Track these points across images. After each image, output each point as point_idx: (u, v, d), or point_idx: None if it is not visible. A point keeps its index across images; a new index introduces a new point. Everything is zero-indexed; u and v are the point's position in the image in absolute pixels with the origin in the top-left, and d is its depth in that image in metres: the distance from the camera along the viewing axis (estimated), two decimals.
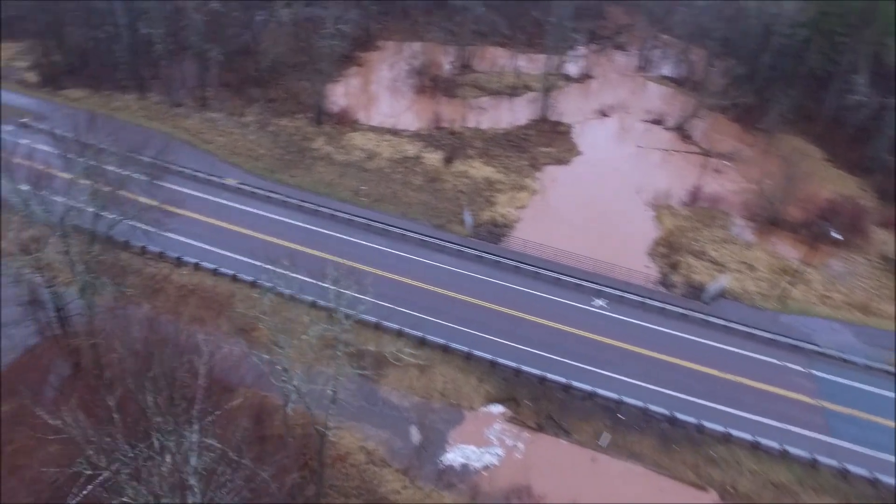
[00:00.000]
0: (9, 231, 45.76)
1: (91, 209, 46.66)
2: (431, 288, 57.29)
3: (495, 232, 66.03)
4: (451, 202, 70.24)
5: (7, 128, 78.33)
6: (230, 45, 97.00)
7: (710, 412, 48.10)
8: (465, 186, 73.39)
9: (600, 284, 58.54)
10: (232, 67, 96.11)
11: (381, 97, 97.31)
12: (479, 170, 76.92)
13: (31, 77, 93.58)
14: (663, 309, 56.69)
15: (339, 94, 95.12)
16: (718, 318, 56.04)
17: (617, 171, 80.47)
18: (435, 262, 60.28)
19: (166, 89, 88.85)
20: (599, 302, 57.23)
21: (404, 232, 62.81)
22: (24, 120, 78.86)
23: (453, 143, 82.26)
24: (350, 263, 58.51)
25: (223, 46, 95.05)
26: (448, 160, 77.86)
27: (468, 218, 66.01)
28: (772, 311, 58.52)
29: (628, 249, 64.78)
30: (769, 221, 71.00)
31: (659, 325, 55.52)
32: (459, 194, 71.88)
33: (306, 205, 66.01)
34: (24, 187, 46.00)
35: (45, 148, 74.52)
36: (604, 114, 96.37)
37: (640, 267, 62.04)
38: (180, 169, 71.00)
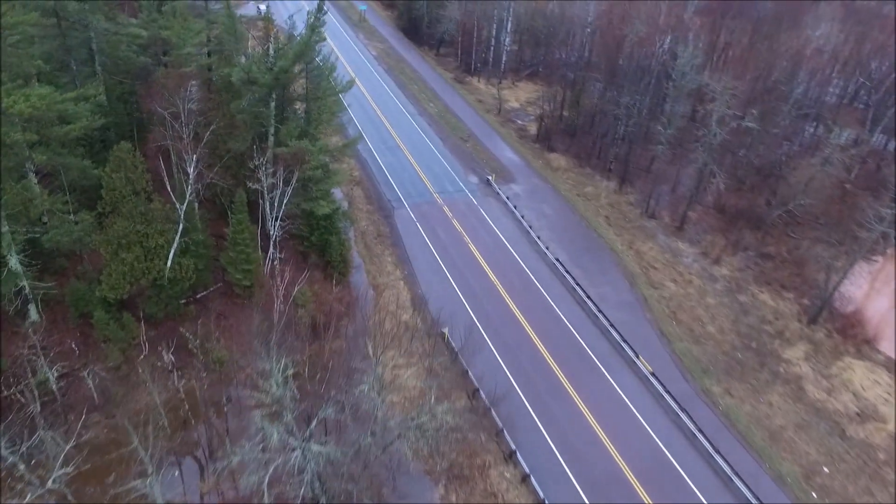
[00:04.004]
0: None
1: None
2: None
3: None
4: None
5: (472, 180, 73.69)
6: (745, 166, 76.85)
7: None
8: None
9: None
10: (738, 189, 75.90)
11: None
12: None
13: (532, 127, 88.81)
14: None
15: (863, 285, 66.44)
16: None
17: None
18: None
19: (647, 192, 73.69)
20: None
21: None
22: (490, 177, 73.04)
23: None
24: None
25: (736, 166, 75.60)
26: None
27: None
28: None
29: None
30: None
31: None
32: None
33: (718, 462, 43.41)
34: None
35: (485, 216, 67.64)
36: None
37: None
38: (595, 311, 55.33)
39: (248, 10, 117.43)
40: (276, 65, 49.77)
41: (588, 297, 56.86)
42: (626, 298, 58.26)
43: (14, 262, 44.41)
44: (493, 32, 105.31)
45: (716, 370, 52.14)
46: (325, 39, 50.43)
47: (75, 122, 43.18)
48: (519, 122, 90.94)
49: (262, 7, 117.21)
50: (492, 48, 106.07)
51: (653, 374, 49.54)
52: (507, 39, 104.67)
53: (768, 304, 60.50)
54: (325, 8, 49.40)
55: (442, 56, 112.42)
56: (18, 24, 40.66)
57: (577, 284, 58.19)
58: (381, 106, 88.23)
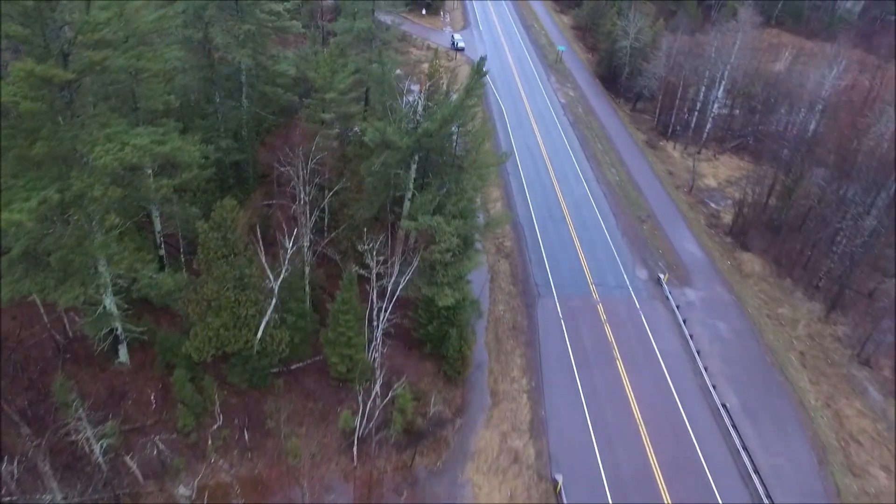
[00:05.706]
0: None
1: None
2: None
3: None
4: None
5: (640, 275, 62.11)
6: None
7: None
8: None
9: None
10: None
11: None
12: None
13: (727, 215, 74.88)
14: None
15: None
16: None
17: None
18: None
19: (865, 327, 57.64)
20: None
21: None
22: (662, 276, 60.94)
23: None
24: None
25: None
26: None
27: None
28: None
29: None
30: None
31: None
32: None
33: None
34: None
35: (646, 326, 55.39)
36: None
37: None
38: (763, 493, 41.93)
39: (444, 37, 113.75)
40: (421, 126, 42.76)
41: (755, 469, 43.59)
42: (810, 483, 44.04)
43: (109, 302, 41.36)
44: (701, 94, 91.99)
45: None
46: (479, 105, 42.57)
47: (186, 169, 39.13)
48: (712, 205, 77.31)
49: (458, 37, 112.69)
50: (696, 111, 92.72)
51: None
52: (716, 104, 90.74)
53: None
54: (485, 68, 41.57)
55: (637, 112, 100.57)
56: (158, 74, 37.33)
57: (744, 448, 45.04)
58: (556, 165, 78.75)
